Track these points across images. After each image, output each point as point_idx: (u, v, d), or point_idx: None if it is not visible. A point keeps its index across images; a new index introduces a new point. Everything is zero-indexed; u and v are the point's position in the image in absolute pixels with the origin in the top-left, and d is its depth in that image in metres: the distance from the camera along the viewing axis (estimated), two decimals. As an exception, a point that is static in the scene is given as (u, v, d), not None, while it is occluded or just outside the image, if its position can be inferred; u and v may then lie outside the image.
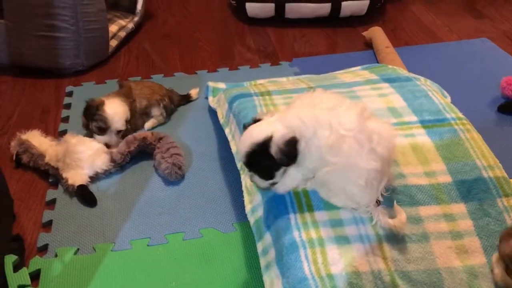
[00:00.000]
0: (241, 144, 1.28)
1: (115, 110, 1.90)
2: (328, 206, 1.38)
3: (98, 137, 1.90)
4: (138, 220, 1.66)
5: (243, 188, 1.58)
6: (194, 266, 1.50)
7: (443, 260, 1.31)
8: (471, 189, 1.43)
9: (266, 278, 1.35)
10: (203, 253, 1.54)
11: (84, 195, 1.73)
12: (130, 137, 1.89)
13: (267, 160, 1.24)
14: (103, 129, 1.89)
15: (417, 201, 1.40)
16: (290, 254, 1.31)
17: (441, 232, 1.35)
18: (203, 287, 1.43)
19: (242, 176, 1.61)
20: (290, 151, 1.22)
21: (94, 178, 1.81)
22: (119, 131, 1.92)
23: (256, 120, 1.31)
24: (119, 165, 1.86)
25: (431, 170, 1.47)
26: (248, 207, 1.51)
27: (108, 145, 1.88)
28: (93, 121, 1.89)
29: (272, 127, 1.25)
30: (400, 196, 1.39)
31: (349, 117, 1.22)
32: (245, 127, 1.31)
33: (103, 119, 1.87)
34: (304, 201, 1.40)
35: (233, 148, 1.72)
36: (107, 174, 1.84)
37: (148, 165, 1.89)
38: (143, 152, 1.90)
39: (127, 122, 1.95)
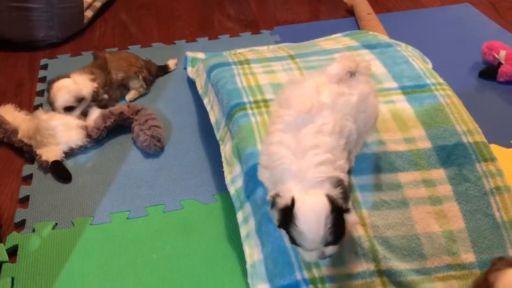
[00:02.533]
0: (309, 232, 1.02)
1: (61, 86, 1.84)
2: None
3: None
4: (117, 193, 1.64)
5: (223, 159, 1.56)
6: (174, 237, 1.49)
7: (422, 225, 1.31)
8: (450, 154, 1.42)
9: (246, 247, 1.35)
10: (183, 224, 1.53)
11: (58, 171, 1.69)
12: (106, 111, 1.85)
13: (341, 217, 1.07)
14: (53, 106, 1.84)
15: (397, 168, 1.39)
16: (270, 223, 1.30)
17: (420, 198, 1.35)
18: (184, 258, 1.43)
19: (222, 147, 1.59)
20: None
21: (69, 153, 1.77)
22: (67, 108, 1.84)
23: (286, 207, 1.05)
24: (95, 141, 1.82)
25: (411, 136, 1.46)
26: (228, 178, 1.50)
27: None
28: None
29: (314, 191, 1.05)
30: (379, 162, 1.38)
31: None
32: (283, 210, 1.06)
33: (49, 95, 1.85)
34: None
35: (212, 119, 1.69)
36: (82, 149, 1.80)
37: (127, 137, 1.86)
38: (121, 126, 1.87)
39: (98, 94, 1.90)
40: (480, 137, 1.47)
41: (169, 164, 1.75)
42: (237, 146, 1.48)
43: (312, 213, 1.02)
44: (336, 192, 1.05)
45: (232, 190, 1.46)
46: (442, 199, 1.36)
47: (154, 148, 1.77)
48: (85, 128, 1.79)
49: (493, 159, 1.43)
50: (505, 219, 1.35)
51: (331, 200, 1.03)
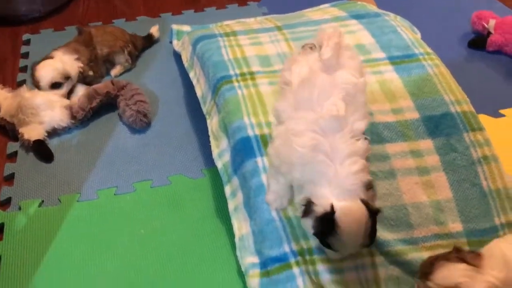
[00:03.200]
0: (350, 240, 1.03)
1: (45, 65, 1.81)
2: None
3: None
4: (104, 170, 1.62)
5: (210, 133, 1.54)
6: (162, 213, 1.48)
7: (410, 195, 1.31)
8: (438, 124, 1.42)
9: (234, 221, 1.35)
10: (171, 199, 1.52)
11: (40, 151, 1.66)
12: (91, 91, 1.80)
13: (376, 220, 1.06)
14: (38, 86, 1.81)
15: (384, 139, 1.38)
16: (257, 196, 1.29)
17: (408, 169, 1.35)
18: (172, 233, 1.42)
19: (208, 121, 1.57)
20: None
21: (53, 133, 1.74)
22: (54, 85, 1.80)
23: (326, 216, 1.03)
24: (80, 122, 1.78)
25: (399, 107, 1.45)
26: (215, 152, 1.49)
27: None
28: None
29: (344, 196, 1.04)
30: (367, 134, 1.37)
31: None
32: (321, 219, 1.04)
33: (33, 75, 1.81)
34: (271, 144, 1.37)
35: (198, 92, 1.67)
36: (66, 130, 1.76)
37: (113, 113, 1.83)
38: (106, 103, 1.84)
39: (83, 71, 1.87)
40: (468, 107, 1.46)
41: (156, 139, 1.73)
42: (223, 120, 1.46)
43: (353, 221, 1.01)
44: (368, 195, 1.05)
45: (219, 164, 1.45)
46: (430, 170, 1.35)
47: (141, 124, 1.75)
48: (70, 108, 1.75)
49: (481, 129, 1.43)
50: (492, 188, 1.35)
51: (367, 205, 1.03)
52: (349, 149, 1.07)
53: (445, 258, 1.07)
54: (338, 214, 1.00)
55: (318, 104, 1.12)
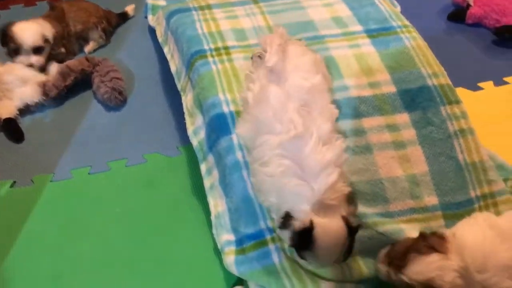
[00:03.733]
0: (326, 256, 1.03)
1: (25, 27, 1.75)
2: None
3: (20, 58, 1.75)
4: (78, 149, 1.59)
5: (185, 109, 1.51)
6: (138, 191, 1.46)
7: (386, 170, 1.30)
8: (415, 98, 1.40)
9: (210, 199, 1.33)
10: (147, 178, 1.50)
11: (10, 130, 1.62)
12: (65, 68, 1.75)
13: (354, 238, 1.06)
14: (16, 50, 1.74)
15: (361, 113, 1.37)
16: (233, 174, 1.28)
17: (384, 143, 1.34)
18: (149, 211, 1.41)
19: (183, 98, 1.54)
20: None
21: (25, 110, 1.70)
22: (36, 49, 1.75)
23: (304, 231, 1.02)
24: (53, 99, 1.74)
25: (376, 80, 1.43)
26: (190, 129, 1.46)
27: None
28: (6, 45, 1.76)
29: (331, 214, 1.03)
30: (343, 109, 1.35)
31: None
32: (299, 234, 1.02)
33: (12, 38, 1.73)
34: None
35: (173, 68, 1.63)
36: (39, 106, 1.72)
37: (87, 90, 1.79)
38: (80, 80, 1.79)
39: (55, 40, 1.82)
40: (445, 79, 1.45)
41: (132, 117, 1.70)
42: (198, 96, 1.43)
43: (332, 239, 1.00)
44: (350, 210, 1.04)
45: (194, 141, 1.43)
46: (406, 144, 1.35)
47: (116, 101, 1.72)
48: (43, 85, 1.71)
49: (457, 102, 1.42)
50: (468, 161, 1.35)
51: (348, 223, 1.01)
52: (320, 162, 1.05)
53: (416, 249, 1.06)
54: (317, 231, 0.99)
55: (276, 122, 1.09)
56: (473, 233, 1.10)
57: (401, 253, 1.08)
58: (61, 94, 1.74)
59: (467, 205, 1.31)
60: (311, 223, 0.99)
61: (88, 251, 1.32)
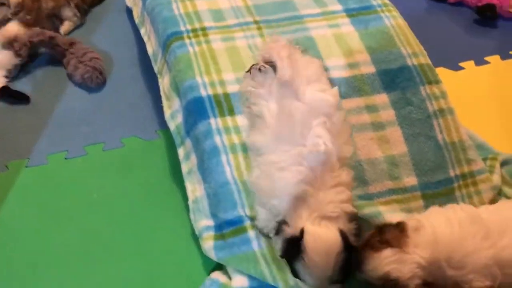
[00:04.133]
0: (316, 269, 0.97)
1: None
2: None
3: None
4: (54, 133, 1.56)
5: (161, 93, 1.48)
6: (116, 176, 1.44)
7: (365, 152, 1.30)
8: (394, 78, 1.39)
9: (188, 184, 1.32)
10: (125, 162, 1.48)
11: (11, 94, 1.63)
12: (37, 29, 1.74)
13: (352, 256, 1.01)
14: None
15: (340, 94, 1.34)
16: (212, 159, 1.26)
17: (363, 124, 1.33)
18: (126, 196, 1.39)
19: (160, 80, 1.51)
20: None
21: (11, 76, 1.69)
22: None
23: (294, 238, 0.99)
24: (29, 58, 1.73)
25: (355, 61, 1.41)
26: (167, 113, 1.44)
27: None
28: None
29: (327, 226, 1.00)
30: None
31: None
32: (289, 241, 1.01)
33: None
34: (225, 105, 1.33)
35: (149, 50, 1.60)
36: (18, 68, 1.71)
37: (61, 74, 1.75)
38: (53, 60, 1.76)
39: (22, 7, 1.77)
40: (425, 59, 1.44)
41: (109, 100, 1.67)
42: (174, 79, 1.41)
43: (322, 248, 0.95)
44: (350, 227, 1.00)
45: (172, 125, 1.41)
46: (385, 124, 1.34)
47: (97, 81, 1.69)
48: (11, 48, 1.69)
49: (437, 82, 1.42)
50: (448, 141, 1.35)
51: (344, 236, 0.97)
52: (335, 181, 1.04)
53: (370, 245, 1.04)
54: (306, 239, 0.95)
55: (301, 137, 1.07)
56: (451, 227, 1.05)
57: (360, 249, 1.05)
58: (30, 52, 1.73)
59: (446, 184, 1.32)
60: (302, 230, 0.96)
61: (64, 237, 1.30)
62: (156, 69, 1.54)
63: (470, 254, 1.02)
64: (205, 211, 1.26)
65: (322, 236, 0.95)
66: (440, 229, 1.05)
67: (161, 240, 1.29)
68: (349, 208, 1.04)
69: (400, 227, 1.05)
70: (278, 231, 1.02)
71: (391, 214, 1.22)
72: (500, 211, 1.14)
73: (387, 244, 1.02)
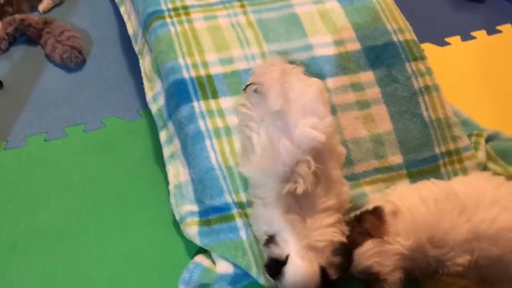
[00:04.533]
0: None
1: None
2: (234, 92, 1.30)
3: None
4: (33, 115, 1.52)
5: (143, 74, 1.45)
6: (97, 158, 1.41)
7: (350, 131, 1.29)
8: (380, 55, 1.37)
9: (169, 168, 1.29)
10: (106, 144, 1.45)
11: None
12: (7, 18, 1.68)
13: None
14: None
15: (325, 74, 1.33)
16: (195, 144, 1.24)
17: (348, 103, 1.31)
18: (107, 178, 1.36)
19: (141, 61, 1.47)
20: None
21: None
22: None
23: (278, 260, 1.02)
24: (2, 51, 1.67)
25: (340, 38, 1.39)
26: (149, 95, 1.40)
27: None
28: None
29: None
30: (307, 69, 1.31)
31: None
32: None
33: None
34: (209, 88, 1.30)
35: (130, 30, 1.55)
36: None
37: (39, 54, 1.70)
38: (31, 40, 1.71)
39: None
40: (410, 35, 1.42)
41: (89, 80, 1.63)
42: (156, 60, 1.37)
43: (300, 282, 0.98)
44: (333, 260, 1.01)
45: (154, 108, 1.38)
46: (370, 103, 1.32)
47: (76, 61, 1.64)
48: None
49: (422, 58, 1.40)
50: (433, 118, 1.34)
51: (324, 273, 0.99)
52: (323, 205, 1.04)
53: (352, 241, 1.04)
54: (288, 269, 0.99)
55: (284, 175, 1.05)
56: (427, 207, 1.04)
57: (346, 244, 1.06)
58: (5, 46, 1.68)
59: (432, 161, 1.31)
60: (287, 258, 0.99)
61: (44, 220, 1.27)
62: (136, 49, 1.50)
63: (449, 231, 1.02)
64: (189, 196, 1.24)
65: (303, 272, 0.98)
66: (417, 210, 1.04)
67: (143, 223, 1.27)
68: (336, 236, 1.03)
69: (377, 213, 1.04)
70: (267, 244, 1.04)
71: (376, 194, 1.21)
72: (472, 184, 1.14)
73: (368, 234, 1.01)
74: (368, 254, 1.00)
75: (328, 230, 1.02)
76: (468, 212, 1.04)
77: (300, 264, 0.98)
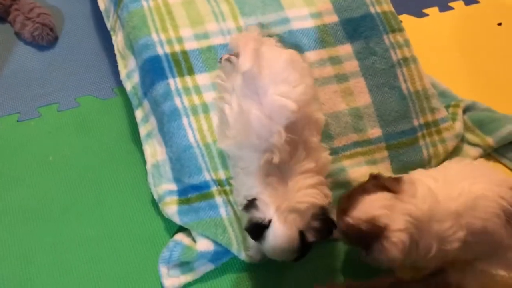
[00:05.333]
0: (274, 254, 1.03)
1: None
2: (210, 68, 1.27)
3: None
4: (4, 95, 1.47)
5: (116, 51, 1.41)
6: (72, 138, 1.38)
7: (329, 105, 1.27)
8: (357, 27, 1.35)
9: (146, 147, 1.27)
10: (81, 123, 1.41)
11: None
12: None
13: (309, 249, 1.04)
14: None
15: (303, 47, 1.31)
16: (172, 122, 1.22)
17: (326, 77, 1.30)
18: (83, 158, 1.34)
19: (114, 38, 1.43)
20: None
21: None
22: None
23: (260, 224, 1.00)
24: None
25: (317, 10, 1.36)
26: (123, 73, 1.37)
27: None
28: None
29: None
30: (284, 44, 1.29)
31: None
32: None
33: None
34: (184, 64, 1.27)
35: (101, 5, 1.50)
36: None
37: (8, 32, 1.63)
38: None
39: None
40: (388, 6, 1.41)
41: (62, 58, 1.58)
42: (128, 36, 1.33)
43: (280, 245, 0.99)
44: (314, 225, 1.00)
45: (128, 86, 1.34)
46: (349, 76, 1.31)
47: (47, 39, 1.59)
48: None
49: (400, 30, 1.39)
50: (411, 90, 1.34)
51: (303, 238, 0.99)
52: (303, 169, 1.02)
53: (362, 189, 1.00)
54: (269, 233, 0.98)
55: (259, 145, 1.02)
56: (428, 181, 1.01)
57: (347, 196, 1.02)
58: None
59: (410, 133, 1.32)
60: (269, 223, 0.98)
61: (19, 202, 1.24)
62: (108, 25, 1.46)
63: (445, 204, 0.99)
64: (167, 175, 1.22)
65: (283, 237, 0.98)
66: (431, 184, 1.00)
67: (121, 202, 1.25)
68: (319, 198, 1.01)
69: (395, 177, 1.01)
70: (247, 208, 1.02)
71: (355, 168, 1.21)
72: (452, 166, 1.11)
73: (384, 188, 0.98)
74: (379, 203, 0.95)
75: (309, 191, 1.01)
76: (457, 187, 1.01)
77: (280, 229, 0.98)
